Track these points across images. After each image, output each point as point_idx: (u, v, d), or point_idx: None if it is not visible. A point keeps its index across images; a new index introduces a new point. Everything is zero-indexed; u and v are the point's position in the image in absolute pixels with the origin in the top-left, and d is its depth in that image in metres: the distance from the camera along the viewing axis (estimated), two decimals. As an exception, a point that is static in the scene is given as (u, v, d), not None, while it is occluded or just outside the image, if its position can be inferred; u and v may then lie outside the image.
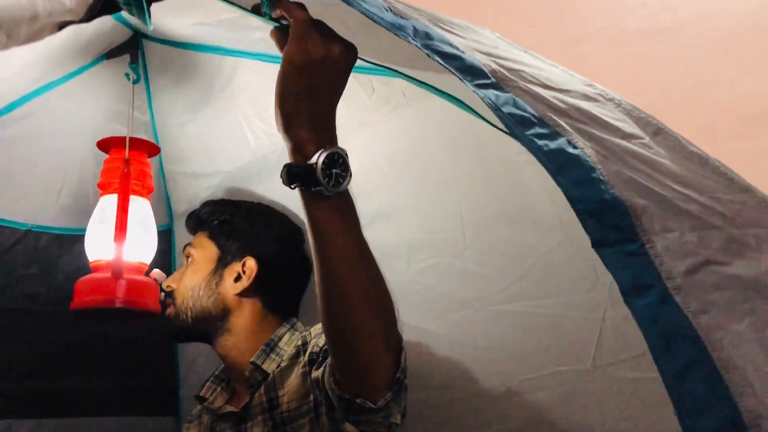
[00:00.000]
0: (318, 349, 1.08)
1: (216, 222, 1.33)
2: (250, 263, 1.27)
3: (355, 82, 1.07)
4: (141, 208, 1.11)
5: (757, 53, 2.24)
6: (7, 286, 1.49)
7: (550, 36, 2.68)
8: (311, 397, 1.08)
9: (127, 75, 1.11)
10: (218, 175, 1.40)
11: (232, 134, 1.28)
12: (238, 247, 1.29)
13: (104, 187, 1.11)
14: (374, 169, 1.17)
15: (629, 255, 0.71)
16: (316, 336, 1.14)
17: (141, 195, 1.11)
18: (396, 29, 0.74)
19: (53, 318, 1.51)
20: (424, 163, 1.13)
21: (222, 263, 1.29)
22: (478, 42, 0.85)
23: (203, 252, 1.30)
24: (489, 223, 1.08)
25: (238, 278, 1.27)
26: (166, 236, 1.68)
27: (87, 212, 1.34)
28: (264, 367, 1.18)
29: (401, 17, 0.78)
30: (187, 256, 1.32)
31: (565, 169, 0.73)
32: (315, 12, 0.80)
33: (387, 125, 1.12)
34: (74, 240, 1.49)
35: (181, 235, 1.66)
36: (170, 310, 1.26)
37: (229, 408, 1.23)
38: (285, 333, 1.24)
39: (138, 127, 1.38)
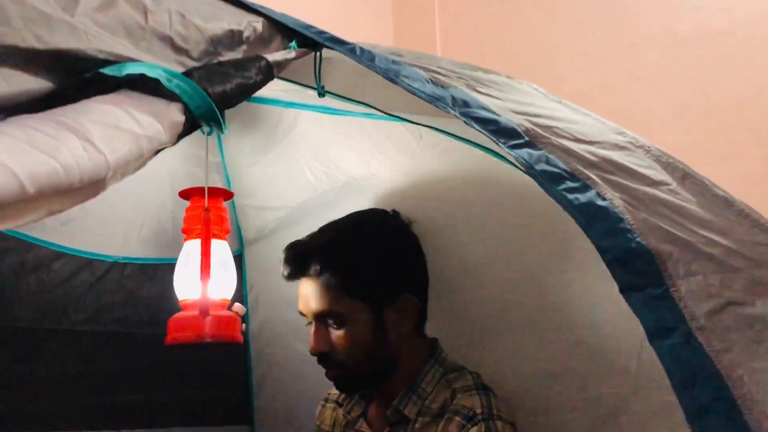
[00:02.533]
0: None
1: (354, 274, 1.15)
2: (410, 302, 1.18)
3: (402, 128, 1.16)
4: (221, 250, 1.22)
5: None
6: (99, 312, 1.65)
7: (605, 40, 2.71)
8: None
9: (201, 129, 1.22)
10: (283, 209, 1.51)
11: (294, 174, 1.40)
12: (389, 290, 1.17)
13: (188, 233, 1.22)
14: (418, 209, 1.25)
15: (655, 299, 0.78)
16: (462, 392, 1.13)
17: (220, 238, 1.22)
18: (436, 101, 0.83)
19: (138, 339, 1.66)
20: (468, 207, 1.21)
21: (379, 314, 1.15)
22: (514, 101, 0.92)
23: (354, 314, 1.14)
24: (529, 260, 1.17)
25: (400, 318, 1.17)
26: (237, 260, 1.80)
27: (166, 244, 1.48)
28: (405, 412, 1.15)
29: (442, 86, 0.86)
30: (329, 321, 1.16)
31: (594, 220, 0.80)
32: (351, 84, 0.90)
33: (433, 169, 1.21)
34: (155, 269, 1.64)
35: (252, 259, 1.80)
36: (332, 374, 1.18)
37: (365, 429, 1.23)
38: (429, 371, 1.17)
39: (211, 167, 1.51)
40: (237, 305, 1.18)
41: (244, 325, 1.18)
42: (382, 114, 1.06)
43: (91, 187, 0.49)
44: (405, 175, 1.26)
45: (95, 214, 1.52)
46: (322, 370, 1.20)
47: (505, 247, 1.22)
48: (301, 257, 1.16)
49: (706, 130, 2.39)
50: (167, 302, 1.35)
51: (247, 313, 1.86)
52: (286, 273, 1.18)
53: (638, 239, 0.80)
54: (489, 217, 1.21)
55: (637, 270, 0.79)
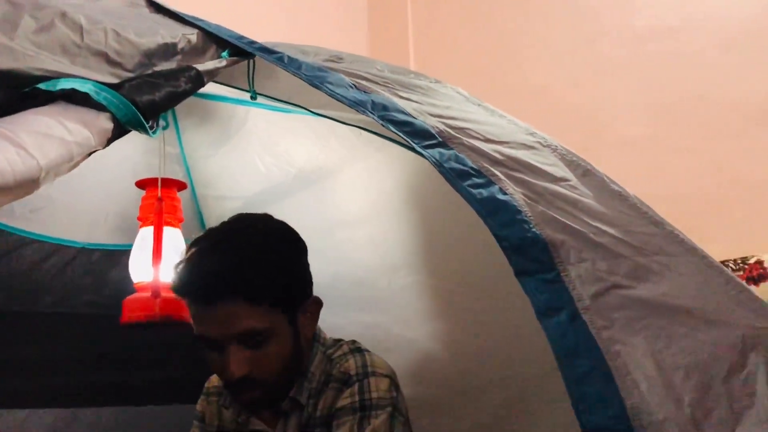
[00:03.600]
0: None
1: (273, 286, 1.08)
2: (315, 303, 1.17)
3: (344, 126, 1.26)
4: (174, 237, 1.32)
5: (761, 52, 2.33)
6: (68, 295, 1.74)
7: (568, 36, 2.81)
8: None
9: (157, 122, 1.31)
10: (240, 199, 1.60)
11: (248, 166, 1.49)
12: (299, 296, 1.14)
13: (143, 220, 1.32)
14: (366, 198, 1.36)
15: (546, 282, 0.88)
16: (340, 359, 1.15)
17: (173, 225, 1.32)
18: (357, 106, 0.92)
19: (107, 321, 1.74)
20: (406, 195, 1.31)
21: (293, 325, 1.11)
22: (432, 104, 1.02)
23: (278, 328, 1.08)
24: (458, 248, 1.27)
25: (308, 320, 1.16)
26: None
27: (132, 231, 1.56)
28: (300, 399, 1.15)
29: (364, 92, 0.96)
30: (252, 340, 1.06)
31: (494, 213, 0.90)
32: (295, 93, 0.99)
33: (376, 160, 1.31)
34: (121, 254, 1.72)
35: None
36: (253, 396, 1.09)
37: (259, 426, 1.20)
38: (315, 355, 1.18)
39: (171, 158, 1.60)
40: (188, 289, 1.27)
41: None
42: (320, 114, 1.16)
43: (25, 186, 0.58)
44: (350, 167, 1.35)
45: (62, 203, 1.61)
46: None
47: (441, 232, 1.32)
48: (215, 281, 1.04)
49: (662, 124, 2.50)
50: (133, 286, 1.44)
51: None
52: (200, 299, 1.05)
53: (534, 229, 0.90)
54: (421, 205, 1.31)
55: (532, 257, 0.89)
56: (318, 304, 1.17)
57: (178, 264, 1.08)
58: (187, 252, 1.10)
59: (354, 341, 1.21)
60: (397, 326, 1.36)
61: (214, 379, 1.33)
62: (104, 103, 0.64)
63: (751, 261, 2.07)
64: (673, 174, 2.35)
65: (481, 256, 1.25)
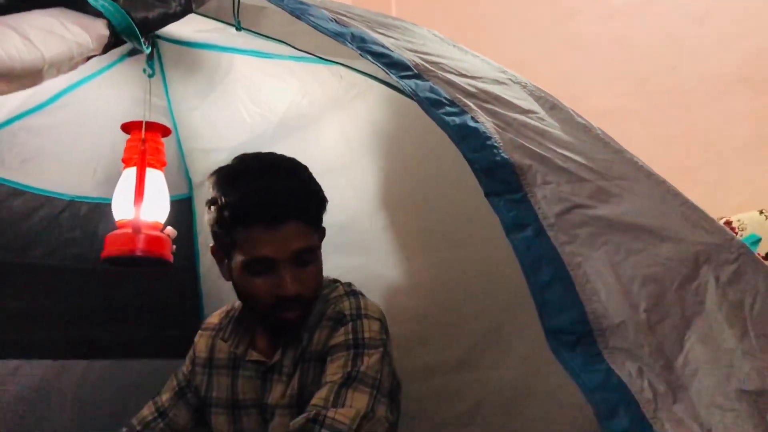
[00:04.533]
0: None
1: (320, 209, 1.23)
2: (324, 230, 1.26)
3: (326, 71, 1.31)
4: (156, 178, 1.37)
5: (731, 24, 2.41)
6: (57, 248, 1.78)
7: (546, 11, 2.88)
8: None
9: (144, 70, 1.36)
10: (225, 151, 1.64)
11: (233, 116, 1.54)
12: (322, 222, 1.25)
13: (127, 162, 1.37)
14: (347, 145, 1.42)
15: (514, 202, 0.95)
16: (335, 300, 1.23)
17: (155, 167, 1.37)
18: (337, 36, 0.98)
19: (96, 275, 1.79)
20: (384, 140, 1.37)
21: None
22: (409, 41, 1.08)
23: (318, 248, 1.23)
24: (433, 188, 1.34)
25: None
26: (187, 204, 1.95)
27: (119, 184, 1.60)
28: (300, 332, 1.22)
29: (344, 25, 1.02)
30: (304, 259, 1.19)
31: (465, 138, 0.96)
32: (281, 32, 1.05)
33: (355, 107, 1.36)
34: (109, 208, 1.77)
35: (201, 202, 1.94)
36: (296, 315, 1.20)
37: (257, 356, 1.27)
38: None
39: (158, 111, 1.64)
40: (169, 228, 1.32)
41: (174, 247, 1.31)
42: (305, 55, 1.21)
43: (30, 76, 0.63)
44: (331, 115, 1.41)
45: (52, 153, 1.66)
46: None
47: (417, 174, 1.38)
48: (286, 199, 1.15)
49: (636, 96, 2.59)
50: (115, 223, 1.48)
51: (197, 255, 2.00)
52: (268, 221, 1.14)
53: (503, 154, 0.96)
54: (397, 149, 1.37)
55: (500, 179, 0.95)
56: (324, 230, 1.26)
57: (229, 191, 1.16)
58: (226, 180, 1.18)
59: (350, 284, 1.29)
60: (377, 266, 1.43)
61: (210, 321, 1.43)
62: (102, 10, 0.70)
63: (720, 222, 2.15)
64: (646, 143, 2.43)
65: (455, 194, 1.31)
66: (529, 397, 1.30)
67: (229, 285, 1.69)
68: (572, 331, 0.88)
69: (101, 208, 1.79)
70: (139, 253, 1.24)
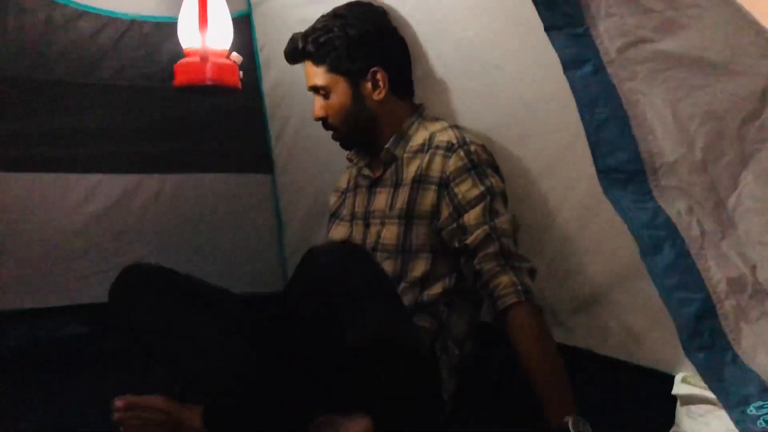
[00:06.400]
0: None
1: (331, 54, 1.42)
2: (380, 73, 1.43)
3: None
4: (218, 5, 1.35)
5: None
6: (124, 68, 1.83)
7: None
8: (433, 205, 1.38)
9: None
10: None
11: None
12: (361, 65, 1.42)
13: (188, -14, 1.34)
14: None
15: (574, 36, 0.92)
16: (440, 132, 1.41)
17: (215, -9, 1.34)
18: None
19: (163, 93, 1.82)
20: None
21: (355, 85, 1.43)
22: None
23: (336, 86, 1.43)
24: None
25: (374, 87, 1.43)
26: (245, 21, 1.93)
27: (179, 3, 1.60)
28: (395, 153, 1.44)
29: None
30: (320, 92, 1.45)
31: (527, -33, 0.91)
32: None
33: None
34: (171, 27, 1.77)
35: (260, 19, 1.92)
36: (334, 135, 1.48)
37: (367, 172, 1.50)
38: (413, 123, 1.46)
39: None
40: (234, 54, 1.33)
41: (241, 73, 1.34)
42: None
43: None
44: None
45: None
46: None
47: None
48: (297, 44, 1.44)
49: None
50: (183, 52, 1.49)
51: (259, 71, 2.02)
52: (288, 58, 1.47)
53: (566, -18, 0.91)
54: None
55: (562, 12, 0.92)
56: (382, 74, 1.43)
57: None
58: None
59: (454, 124, 1.45)
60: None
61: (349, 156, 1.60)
62: None
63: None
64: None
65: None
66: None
67: (294, 105, 1.74)
68: (624, 169, 0.90)
69: (163, 28, 1.81)
70: (208, 82, 1.28)
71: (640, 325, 1.30)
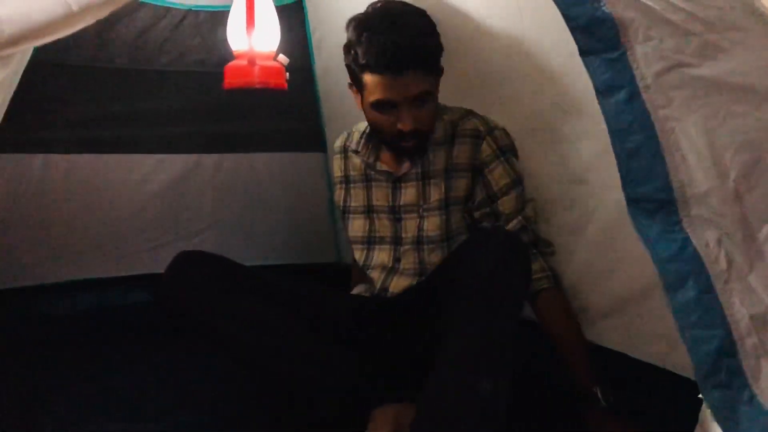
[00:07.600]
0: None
1: (436, 57, 1.37)
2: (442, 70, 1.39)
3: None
4: (266, 6, 1.37)
5: None
6: (182, 55, 1.90)
7: None
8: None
9: None
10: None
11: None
12: (439, 65, 1.38)
13: (237, -17, 1.37)
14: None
15: (610, 61, 0.90)
16: (461, 120, 1.43)
17: (265, -6, 1.36)
18: None
19: (216, 78, 1.88)
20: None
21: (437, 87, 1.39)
22: None
23: (436, 90, 1.38)
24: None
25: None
26: (298, 6, 1.96)
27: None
28: (426, 146, 1.43)
29: None
30: (425, 99, 1.34)
31: (564, -10, 0.90)
32: None
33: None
34: (225, 15, 1.81)
35: (312, 3, 1.94)
36: (413, 144, 1.37)
37: (386, 168, 1.48)
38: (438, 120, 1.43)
39: None
40: (281, 56, 1.36)
41: (288, 74, 1.36)
42: None
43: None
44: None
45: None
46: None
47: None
48: (407, 52, 1.28)
49: None
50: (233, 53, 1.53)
51: (311, 55, 2.05)
52: (391, 69, 1.28)
53: (603, 8, 0.89)
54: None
55: (599, 36, 0.90)
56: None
57: (360, 40, 1.31)
58: (356, 30, 1.33)
59: (465, 108, 1.48)
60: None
61: (336, 145, 1.62)
62: None
63: None
64: None
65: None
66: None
67: (342, 84, 1.76)
68: (654, 198, 0.89)
69: (217, 16, 1.85)
70: (256, 85, 1.32)
71: (673, 332, 1.30)
